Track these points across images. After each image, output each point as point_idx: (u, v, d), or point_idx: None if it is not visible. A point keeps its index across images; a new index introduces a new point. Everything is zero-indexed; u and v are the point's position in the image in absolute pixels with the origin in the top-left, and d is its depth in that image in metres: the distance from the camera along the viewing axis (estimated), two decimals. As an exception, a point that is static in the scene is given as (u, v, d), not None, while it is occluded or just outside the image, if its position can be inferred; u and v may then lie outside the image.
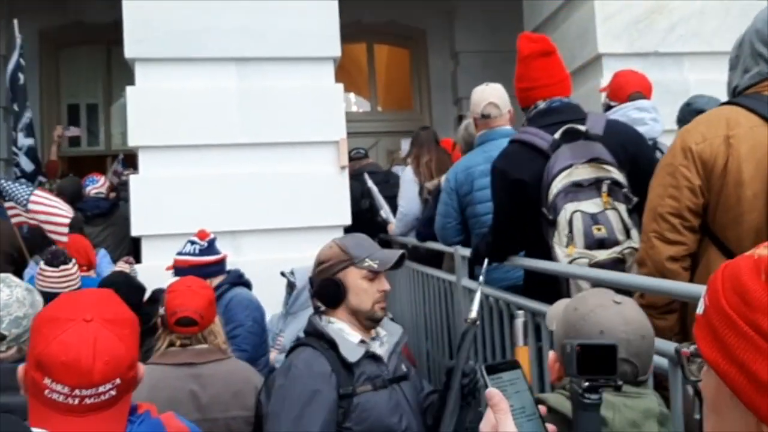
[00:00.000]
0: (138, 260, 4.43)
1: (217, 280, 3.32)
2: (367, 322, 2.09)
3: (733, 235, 1.81)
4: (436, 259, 3.96)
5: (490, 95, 3.46)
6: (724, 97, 3.91)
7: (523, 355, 2.07)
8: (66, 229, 4.15)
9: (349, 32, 4.84)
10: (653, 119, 3.29)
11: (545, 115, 2.56)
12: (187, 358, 2.35)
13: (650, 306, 1.89)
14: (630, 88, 3.56)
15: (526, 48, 2.64)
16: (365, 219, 5.02)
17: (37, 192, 4.20)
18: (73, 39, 8.13)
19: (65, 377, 1.26)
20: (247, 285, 3.45)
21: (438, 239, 3.71)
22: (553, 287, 2.33)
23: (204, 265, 3.30)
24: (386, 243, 5.34)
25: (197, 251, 3.32)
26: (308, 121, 4.67)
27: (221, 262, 3.40)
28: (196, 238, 3.38)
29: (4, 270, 4.18)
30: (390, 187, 5.23)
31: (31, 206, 4.07)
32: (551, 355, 1.47)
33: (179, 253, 3.36)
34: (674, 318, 1.95)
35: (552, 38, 5.51)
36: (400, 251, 2.15)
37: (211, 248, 3.37)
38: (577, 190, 2.24)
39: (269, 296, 4.25)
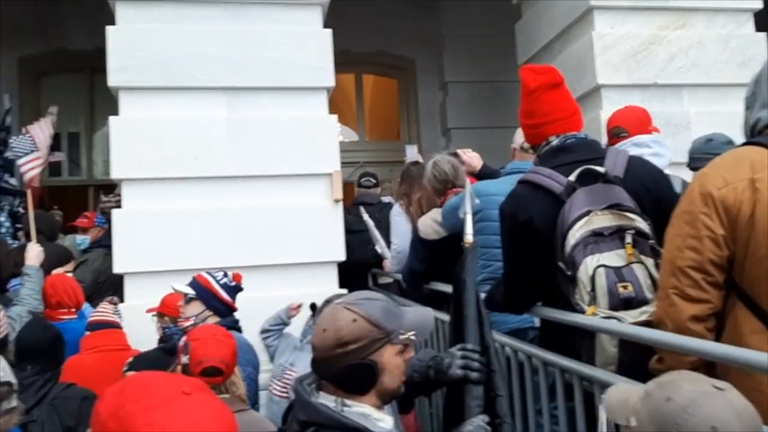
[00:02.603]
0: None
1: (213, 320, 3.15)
2: (390, 399, 1.74)
3: (764, 290, 1.62)
4: (437, 300, 3.76)
5: None
6: (725, 129, 3.88)
7: None
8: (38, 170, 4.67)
9: (337, 62, 4.71)
10: (654, 154, 3.08)
11: (559, 153, 2.34)
12: None
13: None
14: (610, 124, 3.43)
15: (532, 81, 2.40)
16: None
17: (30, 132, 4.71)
18: (55, 66, 7.94)
19: None
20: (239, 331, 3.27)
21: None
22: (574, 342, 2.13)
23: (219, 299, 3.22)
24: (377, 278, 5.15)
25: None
26: (301, 152, 4.50)
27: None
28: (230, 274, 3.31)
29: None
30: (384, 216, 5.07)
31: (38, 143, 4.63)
32: None
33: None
34: None
35: (548, 69, 5.50)
36: (431, 313, 1.87)
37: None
38: (597, 240, 2.03)
39: (258, 334, 4.08)
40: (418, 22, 8.36)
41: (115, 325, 3.72)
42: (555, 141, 2.37)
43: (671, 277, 1.74)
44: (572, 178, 2.17)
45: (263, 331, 4.10)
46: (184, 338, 2.48)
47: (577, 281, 2.02)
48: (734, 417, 1.13)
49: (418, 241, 3.74)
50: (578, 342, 2.10)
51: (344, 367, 1.61)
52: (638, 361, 1.78)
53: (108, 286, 4.50)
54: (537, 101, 2.40)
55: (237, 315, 3.36)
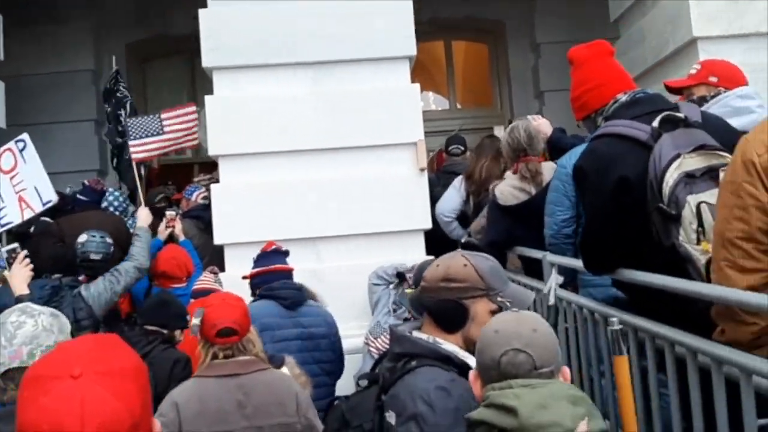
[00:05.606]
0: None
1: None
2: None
3: None
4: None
5: None
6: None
7: (622, 365, 1.93)
8: (195, 139, 5.00)
9: (426, 30, 4.72)
10: (760, 106, 2.96)
11: (631, 106, 2.39)
12: (233, 369, 2.48)
13: (735, 343, 1.68)
14: (742, 77, 3.23)
15: (582, 54, 2.59)
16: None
17: (163, 116, 4.94)
18: (158, 51, 8.37)
19: None
20: (273, 297, 3.47)
21: (545, 229, 3.40)
22: (671, 305, 2.03)
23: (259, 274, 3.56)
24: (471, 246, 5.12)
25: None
26: (385, 123, 4.57)
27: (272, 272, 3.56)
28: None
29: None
30: None
31: (165, 128, 4.87)
32: (471, 374, 1.51)
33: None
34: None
35: (640, 24, 5.29)
36: (531, 292, 2.05)
37: (263, 259, 3.58)
38: (690, 181, 2.01)
39: (348, 302, 4.21)
40: (507, -16, 8.16)
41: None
42: (624, 97, 2.45)
43: (722, 249, 1.71)
44: (655, 124, 2.19)
45: (376, 276, 4.14)
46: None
47: (682, 219, 1.99)
48: (512, 321, 1.47)
49: (497, 209, 3.72)
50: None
51: (442, 300, 1.84)
52: None
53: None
54: (592, 68, 2.55)
55: (326, 284, 3.70)
